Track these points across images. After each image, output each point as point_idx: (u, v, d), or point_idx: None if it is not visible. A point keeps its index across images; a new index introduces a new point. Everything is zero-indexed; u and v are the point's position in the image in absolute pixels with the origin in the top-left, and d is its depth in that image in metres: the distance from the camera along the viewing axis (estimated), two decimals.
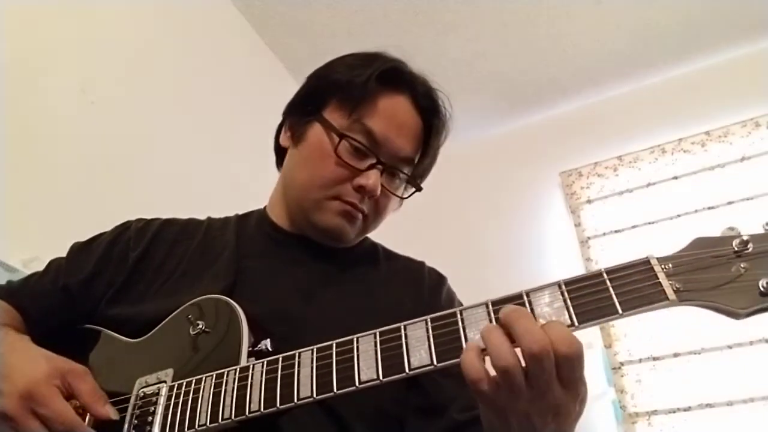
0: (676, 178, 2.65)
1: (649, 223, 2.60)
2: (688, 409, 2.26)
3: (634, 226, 2.63)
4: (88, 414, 0.67)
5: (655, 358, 2.38)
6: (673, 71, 2.88)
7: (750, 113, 2.59)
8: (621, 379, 2.41)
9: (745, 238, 0.52)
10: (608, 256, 2.64)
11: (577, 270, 2.61)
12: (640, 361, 2.41)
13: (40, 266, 0.92)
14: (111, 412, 0.68)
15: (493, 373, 0.51)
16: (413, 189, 0.92)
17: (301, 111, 0.89)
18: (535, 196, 2.96)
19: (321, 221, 0.84)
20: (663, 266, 0.53)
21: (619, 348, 2.46)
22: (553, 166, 2.93)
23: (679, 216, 2.55)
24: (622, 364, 2.43)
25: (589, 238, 2.71)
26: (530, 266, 2.76)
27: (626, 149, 2.79)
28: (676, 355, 2.34)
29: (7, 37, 1.39)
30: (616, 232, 2.66)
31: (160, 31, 1.98)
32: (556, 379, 0.51)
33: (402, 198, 0.92)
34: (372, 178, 0.81)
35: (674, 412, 2.28)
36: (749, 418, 2.16)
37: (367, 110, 0.83)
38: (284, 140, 0.92)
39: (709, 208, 2.50)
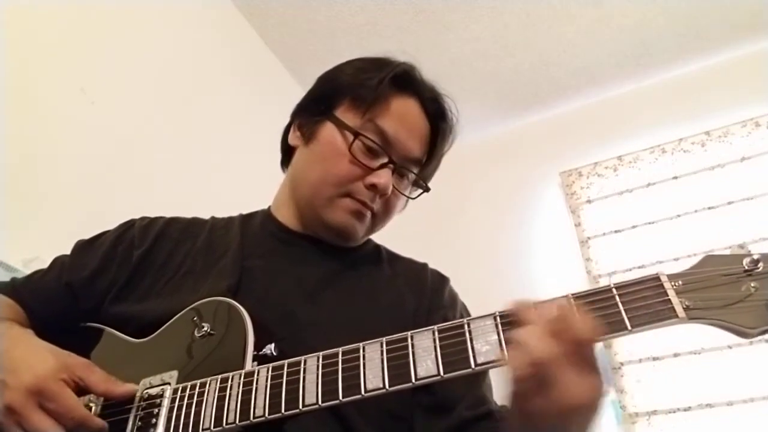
0: (676, 178, 2.64)
1: (649, 223, 2.60)
2: (688, 409, 2.26)
3: (634, 226, 2.63)
4: (102, 401, 0.68)
5: (655, 358, 2.38)
6: (673, 71, 2.87)
7: (750, 113, 2.59)
8: (621, 379, 2.41)
9: (755, 257, 0.52)
10: (608, 256, 2.63)
11: (577, 270, 2.63)
12: (640, 361, 2.40)
13: (41, 266, 0.92)
14: (131, 388, 0.69)
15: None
16: (420, 190, 0.93)
17: (312, 111, 0.90)
18: (535, 196, 2.96)
19: (332, 219, 0.85)
20: (673, 283, 0.54)
21: (619, 348, 2.46)
22: (553, 166, 2.93)
23: (679, 216, 2.55)
24: (622, 364, 2.43)
25: (589, 238, 2.71)
26: (530, 266, 2.76)
27: (626, 149, 2.79)
28: (676, 355, 2.34)
29: (7, 38, 1.39)
30: (616, 232, 2.66)
31: (160, 30, 1.97)
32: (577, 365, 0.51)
33: (410, 198, 0.93)
34: (384, 177, 0.83)
35: (674, 412, 2.28)
36: (749, 418, 2.16)
37: (380, 111, 0.84)
38: (293, 139, 0.93)
39: (709, 208, 2.50)
